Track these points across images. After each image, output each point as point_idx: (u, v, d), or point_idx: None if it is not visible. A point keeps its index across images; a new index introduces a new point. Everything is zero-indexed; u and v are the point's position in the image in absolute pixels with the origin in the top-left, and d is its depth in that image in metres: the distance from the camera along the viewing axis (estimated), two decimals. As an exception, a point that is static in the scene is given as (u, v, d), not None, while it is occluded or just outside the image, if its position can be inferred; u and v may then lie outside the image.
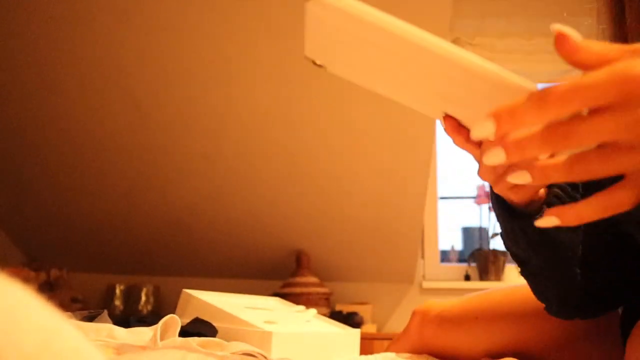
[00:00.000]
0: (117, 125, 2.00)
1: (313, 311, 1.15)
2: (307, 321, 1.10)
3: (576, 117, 0.30)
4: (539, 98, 0.30)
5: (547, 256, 0.55)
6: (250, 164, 2.07)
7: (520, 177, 0.34)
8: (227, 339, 0.80)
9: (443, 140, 2.45)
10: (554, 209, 0.33)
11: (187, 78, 1.87)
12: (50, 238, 2.40)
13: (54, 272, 2.16)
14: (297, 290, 2.10)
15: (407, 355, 0.79)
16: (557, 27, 0.32)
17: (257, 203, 2.17)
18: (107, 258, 2.44)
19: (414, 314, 0.84)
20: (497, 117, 0.32)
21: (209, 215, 2.23)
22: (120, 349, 0.60)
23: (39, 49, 1.82)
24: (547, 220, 0.34)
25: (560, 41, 0.32)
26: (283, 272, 2.28)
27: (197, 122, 1.97)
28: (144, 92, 1.91)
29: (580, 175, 0.31)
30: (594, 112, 0.30)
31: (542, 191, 0.50)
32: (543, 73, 2.22)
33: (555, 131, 0.31)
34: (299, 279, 2.17)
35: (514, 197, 0.46)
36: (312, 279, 2.18)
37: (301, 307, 1.18)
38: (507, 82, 0.35)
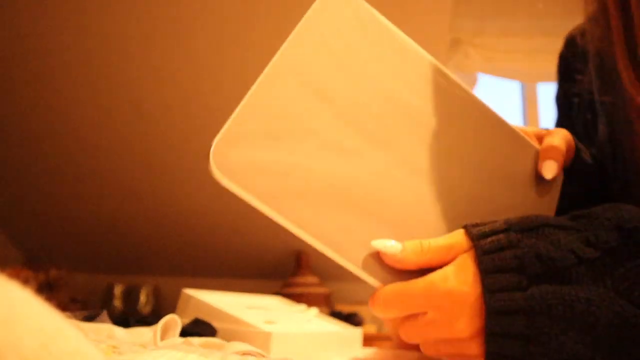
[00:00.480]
0: (117, 125, 2.00)
1: (315, 310, 1.15)
2: (309, 321, 1.10)
3: (405, 318, 0.38)
4: (374, 297, 0.40)
5: None
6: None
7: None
8: (227, 339, 0.80)
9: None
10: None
11: (188, 78, 1.87)
12: (50, 238, 2.40)
13: (53, 272, 2.16)
14: (297, 290, 2.10)
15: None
16: (375, 244, 0.37)
17: (256, 203, 2.17)
18: (106, 258, 2.44)
19: None
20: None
21: (209, 215, 2.23)
22: (120, 349, 0.60)
23: (39, 50, 1.82)
24: None
25: (383, 256, 0.38)
26: (283, 272, 2.28)
27: (197, 122, 1.97)
28: (144, 92, 1.91)
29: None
30: (411, 317, 0.37)
31: None
32: (544, 73, 2.22)
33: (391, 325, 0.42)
34: (298, 279, 2.17)
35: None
36: (312, 279, 2.18)
37: (302, 307, 1.17)
38: None
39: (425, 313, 0.36)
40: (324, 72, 0.38)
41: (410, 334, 0.37)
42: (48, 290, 2.10)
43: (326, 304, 2.14)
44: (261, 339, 0.87)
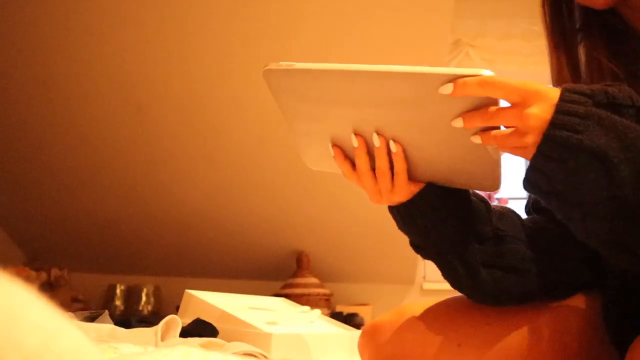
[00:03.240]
0: (118, 125, 2.00)
1: (317, 312, 1.15)
2: (311, 322, 1.10)
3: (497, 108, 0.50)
4: (482, 80, 0.48)
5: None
6: (251, 164, 2.07)
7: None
8: (228, 339, 0.80)
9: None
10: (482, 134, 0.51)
11: (188, 78, 1.87)
12: (51, 238, 2.41)
13: (55, 272, 2.16)
14: (298, 291, 2.10)
15: None
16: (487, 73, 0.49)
17: (257, 204, 2.17)
18: (107, 258, 2.45)
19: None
20: (455, 84, 0.49)
21: (210, 216, 2.23)
22: (121, 349, 0.60)
23: (39, 50, 1.82)
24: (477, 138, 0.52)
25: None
26: (283, 273, 2.28)
27: (199, 122, 1.97)
28: (145, 93, 1.91)
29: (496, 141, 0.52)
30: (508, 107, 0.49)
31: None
32: (544, 75, 2.22)
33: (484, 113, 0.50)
34: (299, 280, 2.17)
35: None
36: (313, 280, 2.17)
37: (306, 308, 1.17)
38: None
39: (512, 104, 0.49)
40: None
41: (491, 119, 0.49)
42: (49, 289, 2.11)
43: (326, 305, 2.14)
44: (262, 340, 0.88)
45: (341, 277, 2.35)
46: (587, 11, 0.65)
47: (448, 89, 0.49)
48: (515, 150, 0.51)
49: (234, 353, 0.70)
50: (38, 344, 0.19)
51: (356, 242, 2.21)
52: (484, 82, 0.48)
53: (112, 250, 2.41)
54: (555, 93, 0.48)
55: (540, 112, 0.47)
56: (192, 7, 1.69)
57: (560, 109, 0.47)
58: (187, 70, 1.85)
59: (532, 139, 0.48)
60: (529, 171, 0.50)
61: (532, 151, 0.48)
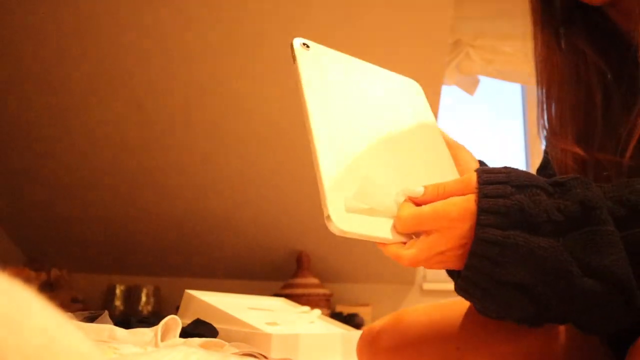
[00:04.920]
0: (118, 125, 2.01)
1: (317, 312, 1.15)
2: (311, 322, 1.10)
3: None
4: (399, 217, 0.50)
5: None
6: (252, 164, 2.08)
7: None
8: (228, 340, 0.80)
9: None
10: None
11: (189, 77, 1.87)
12: (51, 238, 2.41)
13: (55, 272, 2.16)
14: (298, 291, 2.10)
15: None
16: (404, 191, 0.52)
17: (258, 204, 2.17)
18: (107, 258, 2.45)
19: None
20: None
21: (210, 216, 2.23)
22: (121, 350, 0.60)
23: (39, 48, 1.82)
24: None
25: (410, 199, 0.52)
26: (283, 273, 2.28)
27: (199, 122, 1.98)
28: (146, 92, 1.92)
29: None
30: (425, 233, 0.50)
31: None
32: (544, 75, 2.22)
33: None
34: (299, 280, 2.17)
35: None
36: (313, 280, 2.17)
37: (306, 308, 1.18)
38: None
39: (430, 232, 0.49)
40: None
41: (420, 250, 0.49)
42: (49, 290, 2.11)
43: (326, 305, 2.14)
44: (262, 340, 0.87)
45: (341, 277, 2.35)
46: (573, 7, 0.67)
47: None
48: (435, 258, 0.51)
49: (234, 353, 0.70)
50: (38, 345, 0.19)
51: (356, 242, 2.19)
52: (404, 225, 0.50)
53: (112, 251, 2.41)
54: (471, 213, 0.48)
55: (458, 235, 0.48)
56: (192, 6, 1.69)
57: (478, 236, 0.47)
58: (188, 69, 1.85)
59: (451, 257, 0.49)
60: (459, 282, 0.51)
61: (453, 264, 0.50)
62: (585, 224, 0.46)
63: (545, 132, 0.69)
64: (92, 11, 1.71)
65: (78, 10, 1.71)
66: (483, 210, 0.47)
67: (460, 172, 0.61)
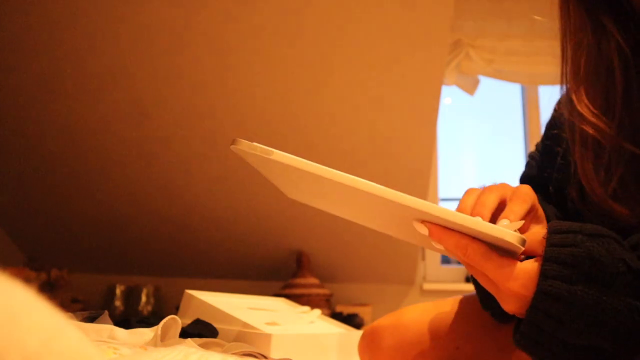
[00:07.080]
0: (118, 125, 2.01)
1: (317, 312, 1.15)
2: (311, 322, 1.10)
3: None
4: (437, 235, 0.46)
5: None
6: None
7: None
8: (228, 340, 0.80)
9: (443, 142, 2.45)
10: None
11: (189, 77, 1.87)
12: (51, 238, 2.41)
13: (55, 273, 2.16)
14: (298, 291, 2.10)
15: None
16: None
17: (258, 204, 2.17)
18: (107, 258, 2.45)
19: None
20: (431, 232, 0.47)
21: (210, 216, 2.23)
22: (121, 350, 0.60)
23: (39, 48, 1.82)
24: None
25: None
26: (283, 273, 2.28)
27: (199, 122, 1.98)
28: (146, 92, 1.92)
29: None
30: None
31: None
32: (544, 75, 2.22)
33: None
34: (299, 280, 2.17)
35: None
36: (313, 280, 2.17)
37: (306, 308, 1.17)
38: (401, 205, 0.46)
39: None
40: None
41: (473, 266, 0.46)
42: (49, 290, 2.11)
43: (326, 305, 2.14)
44: (262, 341, 0.87)
45: (341, 278, 2.35)
46: None
47: (423, 229, 0.47)
48: (487, 284, 0.47)
49: (234, 353, 0.70)
50: (38, 345, 0.19)
51: (356, 242, 2.21)
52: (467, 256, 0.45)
53: (112, 251, 2.41)
54: (533, 274, 0.43)
55: (521, 288, 0.43)
56: (192, 5, 1.69)
57: (540, 289, 0.42)
58: (188, 69, 1.85)
59: (511, 306, 0.45)
60: (517, 337, 0.46)
61: (508, 307, 0.46)
62: None
63: (566, 93, 0.63)
64: (90, 10, 1.71)
65: (76, 9, 1.71)
66: (547, 259, 0.42)
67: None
